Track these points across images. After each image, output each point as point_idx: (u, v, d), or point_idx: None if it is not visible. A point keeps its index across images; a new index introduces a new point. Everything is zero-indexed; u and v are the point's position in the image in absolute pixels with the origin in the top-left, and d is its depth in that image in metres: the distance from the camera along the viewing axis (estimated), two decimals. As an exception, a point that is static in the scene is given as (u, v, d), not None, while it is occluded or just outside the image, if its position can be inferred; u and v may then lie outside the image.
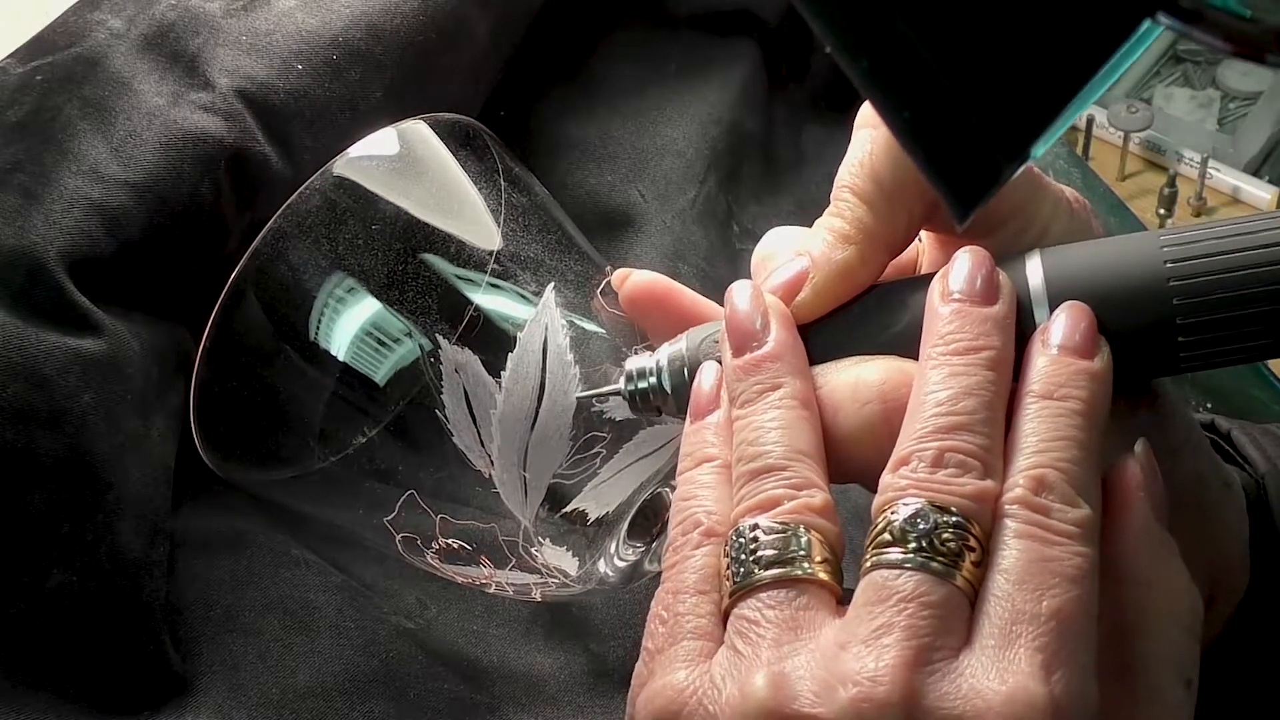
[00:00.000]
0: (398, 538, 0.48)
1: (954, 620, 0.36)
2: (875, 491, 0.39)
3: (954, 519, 0.37)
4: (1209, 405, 0.74)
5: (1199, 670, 0.39)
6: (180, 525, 0.59)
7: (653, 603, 0.41)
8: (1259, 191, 1.06)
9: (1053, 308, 0.41)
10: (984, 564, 0.37)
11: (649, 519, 0.49)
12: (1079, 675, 0.36)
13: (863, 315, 0.44)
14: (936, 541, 0.37)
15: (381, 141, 0.49)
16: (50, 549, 0.53)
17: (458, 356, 0.46)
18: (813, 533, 0.39)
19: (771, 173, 0.84)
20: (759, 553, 0.38)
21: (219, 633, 0.57)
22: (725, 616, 0.39)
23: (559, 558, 0.49)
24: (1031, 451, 0.38)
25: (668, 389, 0.45)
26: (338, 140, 0.60)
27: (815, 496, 0.40)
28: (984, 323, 0.40)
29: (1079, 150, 1.09)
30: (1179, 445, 0.44)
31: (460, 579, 0.50)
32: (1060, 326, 0.40)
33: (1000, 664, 0.35)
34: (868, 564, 0.37)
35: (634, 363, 0.46)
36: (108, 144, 0.58)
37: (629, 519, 0.49)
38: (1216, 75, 1.13)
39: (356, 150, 0.49)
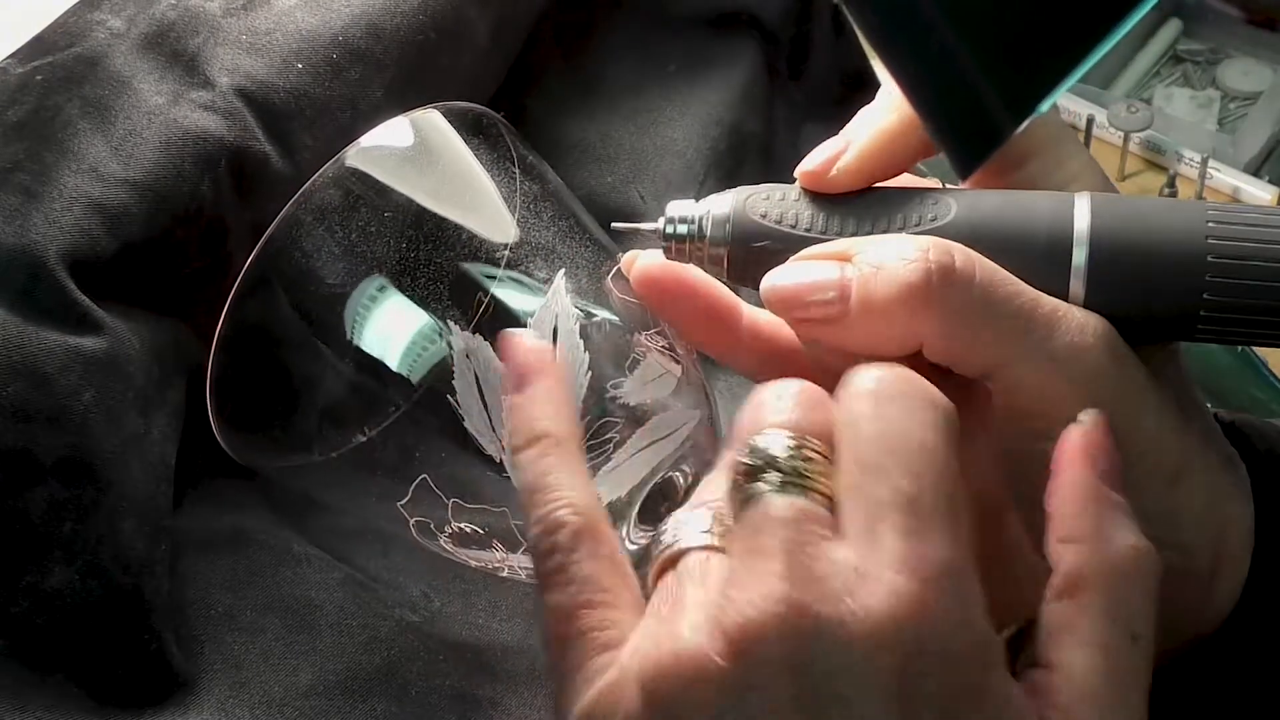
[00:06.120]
0: (411, 522, 0.48)
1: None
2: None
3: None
4: (1208, 404, 0.74)
5: (1151, 628, 0.39)
6: (180, 524, 0.59)
7: (544, 622, 0.41)
8: (1259, 192, 1.06)
9: (1093, 249, 0.42)
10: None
11: (659, 503, 0.49)
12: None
13: (876, 204, 0.44)
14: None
15: (395, 130, 0.50)
16: (52, 548, 0.53)
17: (470, 343, 0.46)
18: None
19: (771, 173, 0.83)
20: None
21: (220, 631, 0.57)
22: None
23: (571, 541, 0.49)
24: None
25: (707, 238, 0.46)
26: (338, 139, 0.60)
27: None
28: None
29: (1078, 151, 1.09)
30: (1189, 405, 0.46)
31: (473, 563, 0.50)
32: None
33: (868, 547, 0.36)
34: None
35: (676, 208, 0.47)
36: (108, 143, 0.58)
37: (640, 503, 0.49)
38: (1216, 75, 1.13)
39: (370, 139, 0.49)
